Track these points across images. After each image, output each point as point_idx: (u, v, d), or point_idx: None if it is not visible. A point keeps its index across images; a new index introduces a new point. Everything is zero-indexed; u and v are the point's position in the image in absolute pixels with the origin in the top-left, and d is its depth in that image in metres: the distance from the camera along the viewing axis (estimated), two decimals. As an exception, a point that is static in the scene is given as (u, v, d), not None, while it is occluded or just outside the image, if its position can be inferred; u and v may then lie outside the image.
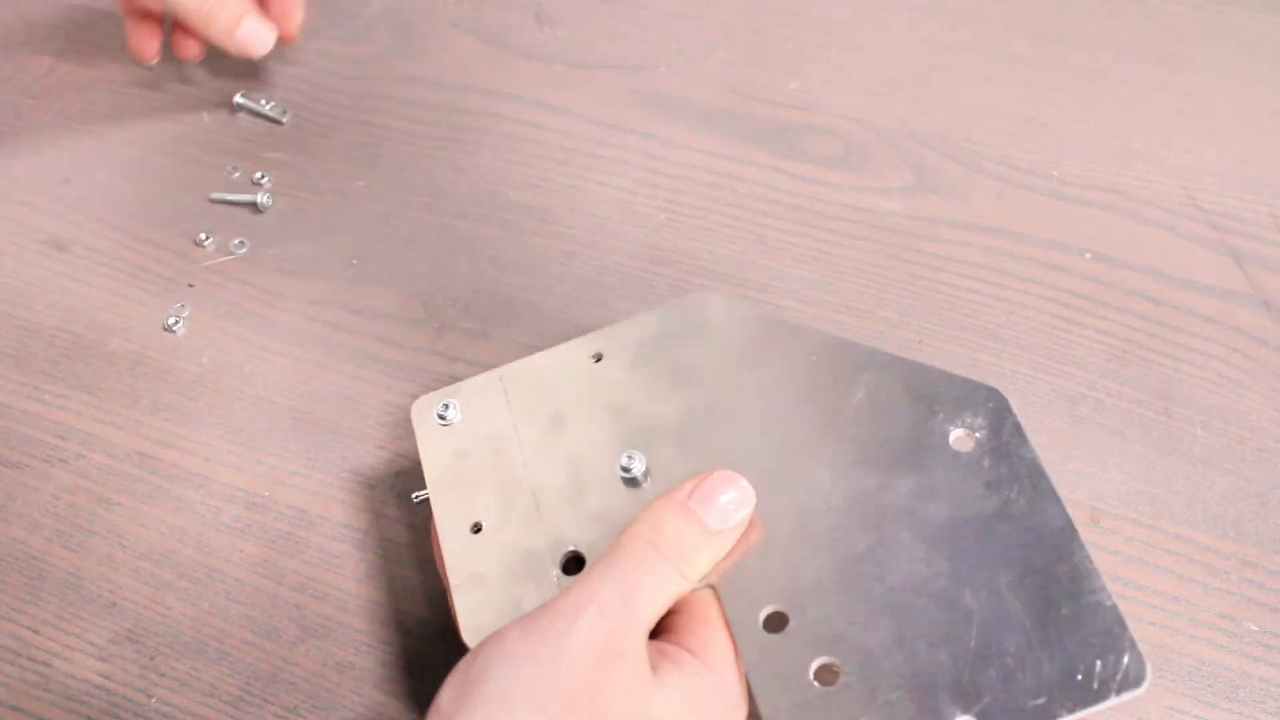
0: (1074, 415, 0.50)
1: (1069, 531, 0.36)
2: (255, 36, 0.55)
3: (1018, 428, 0.38)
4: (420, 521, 0.47)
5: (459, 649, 0.43)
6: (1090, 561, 0.35)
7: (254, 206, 0.56)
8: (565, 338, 0.48)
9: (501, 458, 0.41)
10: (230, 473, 0.48)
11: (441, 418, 0.42)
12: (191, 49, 0.60)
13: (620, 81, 0.63)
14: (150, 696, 0.42)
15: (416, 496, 0.43)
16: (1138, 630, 0.44)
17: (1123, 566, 0.45)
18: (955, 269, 0.55)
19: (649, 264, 0.55)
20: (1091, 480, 0.48)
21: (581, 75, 0.63)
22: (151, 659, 0.43)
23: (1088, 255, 0.55)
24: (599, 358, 0.42)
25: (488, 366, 0.48)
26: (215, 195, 0.57)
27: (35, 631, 0.44)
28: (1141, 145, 0.60)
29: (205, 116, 0.61)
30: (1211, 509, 0.47)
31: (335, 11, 0.66)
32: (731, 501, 0.37)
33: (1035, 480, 0.37)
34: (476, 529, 0.39)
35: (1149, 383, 0.51)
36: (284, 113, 0.61)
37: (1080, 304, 0.53)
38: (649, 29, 0.66)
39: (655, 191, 0.58)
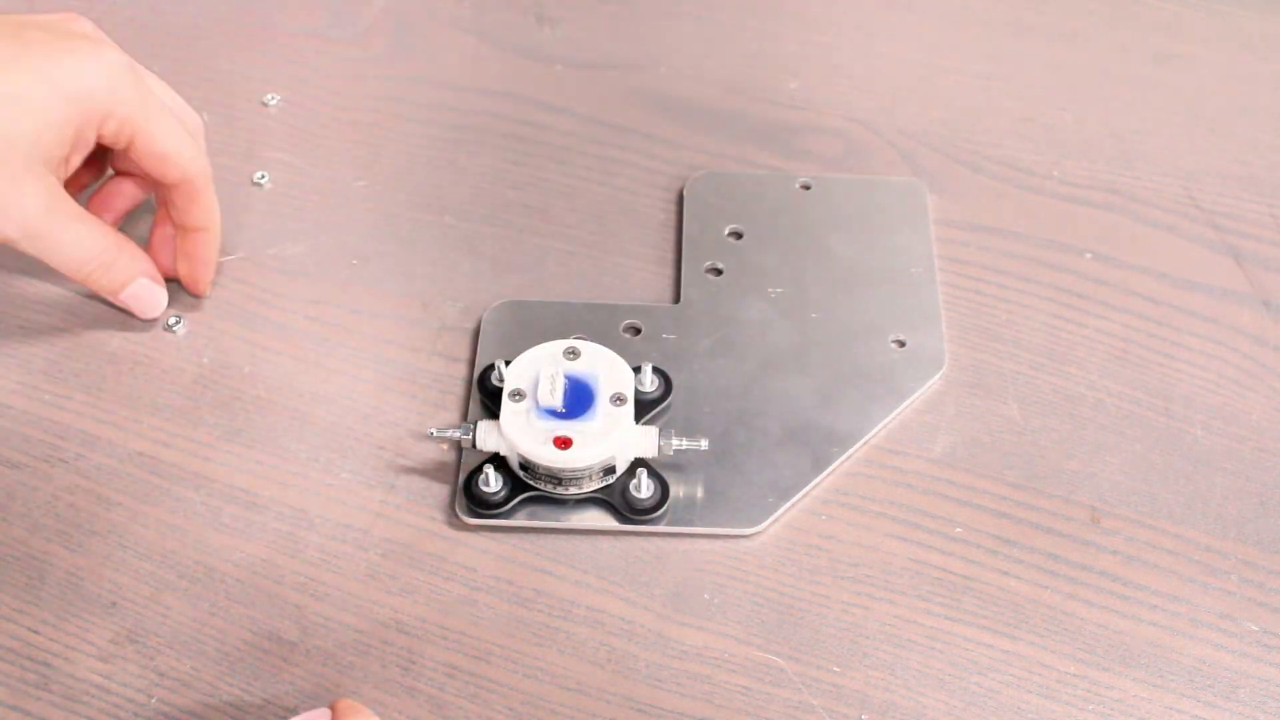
0: (1074, 415, 0.50)
1: None
2: (141, 300, 0.51)
3: None
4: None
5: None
6: None
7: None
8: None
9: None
10: (230, 473, 0.48)
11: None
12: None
13: (620, 81, 0.63)
14: (150, 697, 0.42)
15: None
16: (1137, 630, 0.44)
17: (1123, 566, 0.45)
18: (956, 269, 0.55)
19: (650, 264, 0.55)
20: (1091, 480, 0.48)
21: (581, 75, 0.63)
22: (151, 659, 0.43)
23: (1088, 255, 0.55)
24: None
25: (488, 366, 0.48)
26: None
27: (35, 631, 0.44)
28: (1141, 145, 0.60)
29: (204, 116, 0.61)
30: (1211, 509, 0.47)
31: (335, 11, 0.66)
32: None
33: None
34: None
35: (1149, 383, 0.51)
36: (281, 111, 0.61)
37: (1080, 304, 0.54)
38: (649, 29, 0.66)
39: (655, 191, 0.58)
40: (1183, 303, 0.54)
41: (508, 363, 0.47)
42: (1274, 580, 0.45)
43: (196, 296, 0.53)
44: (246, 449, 0.49)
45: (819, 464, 0.48)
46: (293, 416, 0.50)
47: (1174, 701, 0.42)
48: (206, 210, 0.51)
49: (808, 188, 0.57)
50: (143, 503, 0.47)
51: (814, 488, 0.47)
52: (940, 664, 0.43)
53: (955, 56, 0.64)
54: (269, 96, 0.62)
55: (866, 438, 0.48)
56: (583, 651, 0.43)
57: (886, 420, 0.49)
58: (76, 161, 0.48)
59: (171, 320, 0.52)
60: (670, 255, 0.55)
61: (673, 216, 0.57)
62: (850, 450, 0.48)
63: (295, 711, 0.42)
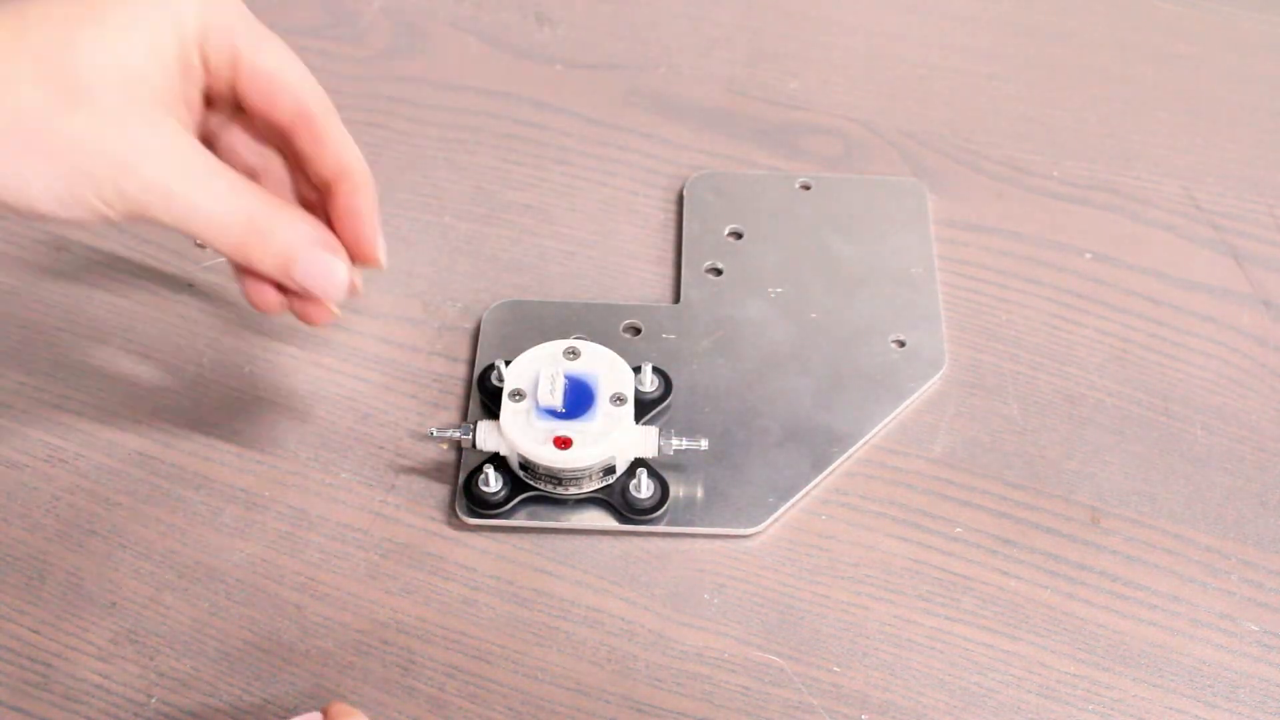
0: (1074, 415, 0.50)
1: None
2: (317, 275, 0.39)
3: None
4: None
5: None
6: None
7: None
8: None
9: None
10: (230, 473, 0.48)
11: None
12: (266, 296, 0.41)
13: (620, 81, 0.63)
14: (150, 697, 0.42)
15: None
16: (1137, 630, 0.44)
17: (1123, 566, 0.45)
18: (955, 269, 0.55)
19: (649, 264, 0.55)
20: (1091, 480, 0.48)
21: (581, 75, 0.63)
22: (151, 659, 0.43)
23: (1088, 255, 0.55)
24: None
25: (488, 366, 0.48)
26: None
27: (35, 631, 0.44)
28: (1141, 145, 0.60)
29: (205, 116, 0.61)
30: (1211, 509, 0.47)
31: (335, 11, 0.66)
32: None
33: None
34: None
35: (1149, 383, 0.51)
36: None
37: (1080, 304, 0.53)
38: (649, 29, 0.66)
39: (655, 191, 0.58)
40: (1183, 303, 0.54)
41: (507, 363, 0.47)
42: (1274, 580, 0.45)
43: (373, 266, 0.41)
44: (246, 449, 0.49)
45: (819, 464, 0.48)
46: (293, 416, 0.50)
47: (1174, 701, 0.42)
48: (338, 146, 0.40)
49: (807, 188, 0.57)
50: (143, 503, 0.47)
51: (814, 488, 0.47)
52: (940, 664, 0.43)
53: (955, 56, 0.64)
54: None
55: (866, 438, 0.48)
56: (583, 651, 0.43)
57: (886, 420, 0.49)
58: (196, 97, 0.39)
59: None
60: (670, 255, 0.55)
61: (673, 216, 0.57)
62: (850, 450, 0.48)
63: (295, 711, 0.42)
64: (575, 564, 0.45)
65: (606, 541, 0.46)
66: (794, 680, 0.43)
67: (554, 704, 0.42)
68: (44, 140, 0.35)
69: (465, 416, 0.49)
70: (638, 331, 0.52)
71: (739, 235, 0.55)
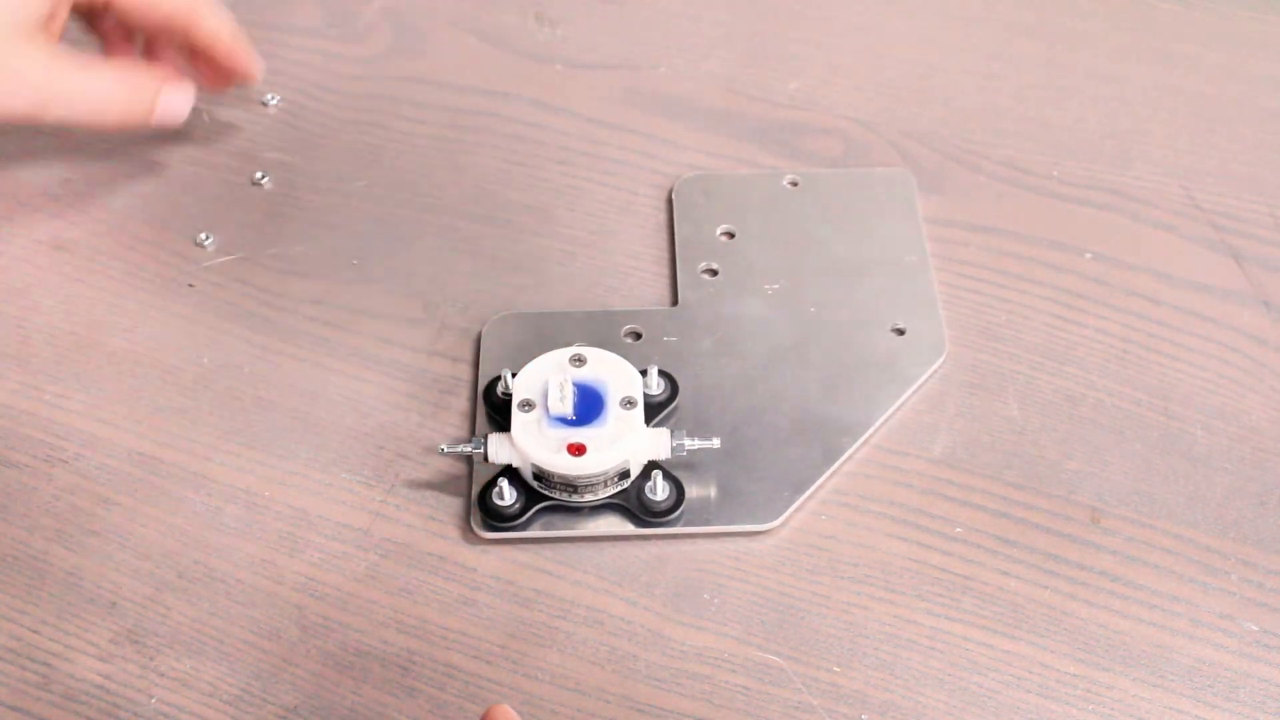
0: (1074, 415, 0.50)
1: None
2: (171, 111, 0.53)
3: None
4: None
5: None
6: None
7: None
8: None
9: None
10: (230, 473, 0.48)
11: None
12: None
13: (620, 81, 0.63)
14: (150, 697, 0.42)
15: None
16: (1137, 630, 0.44)
17: (1123, 566, 0.45)
18: (955, 269, 0.55)
19: (649, 265, 0.55)
20: (1091, 480, 0.48)
21: (581, 75, 0.63)
22: (151, 659, 0.43)
23: (1088, 255, 0.55)
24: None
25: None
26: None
27: (35, 631, 0.44)
28: (1141, 145, 0.60)
29: (205, 116, 0.61)
30: (1211, 509, 0.47)
31: (335, 11, 0.66)
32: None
33: None
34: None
35: (1149, 383, 0.51)
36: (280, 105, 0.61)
37: (1080, 304, 0.53)
38: (649, 29, 0.66)
39: (655, 191, 0.58)
40: (1183, 303, 0.54)
41: (514, 375, 0.47)
42: (1274, 580, 0.45)
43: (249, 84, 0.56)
44: (246, 449, 0.49)
45: (830, 455, 0.48)
46: (293, 416, 0.50)
47: (1174, 701, 0.42)
48: (213, 30, 0.54)
49: (795, 184, 0.57)
50: (143, 503, 0.47)
51: (827, 479, 0.47)
52: (940, 664, 0.43)
53: (955, 56, 0.64)
54: (269, 96, 0.62)
55: (875, 426, 0.49)
56: (583, 651, 0.43)
57: (894, 408, 0.49)
58: (64, 15, 0.51)
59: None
60: (668, 256, 0.55)
61: (670, 218, 0.57)
62: (860, 440, 0.48)
63: (296, 711, 0.42)
64: (575, 565, 0.45)
65: (619, 545, 0.46)
66: (794, 680, 0.43)
67: (554, 704, 0.42)
68: None
69: (473, 427, 0.49)
70: (639, 336, 0.52)
71: (731, 235, 0.55)
